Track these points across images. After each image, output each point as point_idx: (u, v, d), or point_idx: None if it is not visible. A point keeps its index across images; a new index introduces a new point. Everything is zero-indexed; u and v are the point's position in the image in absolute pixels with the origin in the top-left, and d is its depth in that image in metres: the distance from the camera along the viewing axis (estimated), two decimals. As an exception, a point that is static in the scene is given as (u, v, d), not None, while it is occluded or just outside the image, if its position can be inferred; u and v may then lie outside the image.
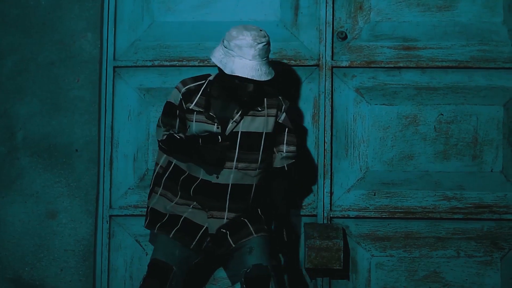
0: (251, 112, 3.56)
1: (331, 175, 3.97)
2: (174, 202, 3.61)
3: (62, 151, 3.98)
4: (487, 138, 3.99)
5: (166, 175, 3.65)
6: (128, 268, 4.00)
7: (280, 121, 3.61)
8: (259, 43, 3.38)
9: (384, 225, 3.97)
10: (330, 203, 3.96)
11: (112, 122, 4.02)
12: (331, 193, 3.97)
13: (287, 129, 3.63)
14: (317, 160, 3.97)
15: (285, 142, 3.64)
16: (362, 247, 3.98)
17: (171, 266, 3.53)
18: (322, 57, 3.99)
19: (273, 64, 3.92)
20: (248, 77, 3.37)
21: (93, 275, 3.97)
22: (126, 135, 4.03)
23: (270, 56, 3.95)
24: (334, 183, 3.98)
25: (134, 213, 3.98)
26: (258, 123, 3.57)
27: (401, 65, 3.98)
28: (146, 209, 3.72)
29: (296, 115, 3.97)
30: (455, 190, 3.96)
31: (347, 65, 3.99)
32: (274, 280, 3.52)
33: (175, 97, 3.59)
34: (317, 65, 3.99)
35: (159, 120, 3.67)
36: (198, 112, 3.54)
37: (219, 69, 3.47)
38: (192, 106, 3.55)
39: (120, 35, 4.04)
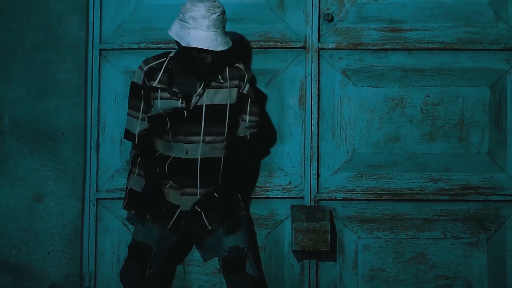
0: (213, 85, 3.57)
1: (318, 157, 3.97)
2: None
3: (49, 134, 3.98)
4: (473, 119, 3.99)
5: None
6: (115, 251, 4.00)
7: (244, 92, 3.62)
8: (213, 13, 3.38)
9: (371, 207, 3.97)
10: (317, 186, 3.97)
11: (98, 105, 4.02)
12: (318, 176, 3.97)
13: (250, 99, 3.65)
14: (304, 143, 3.97)
15: (248, 113, 3.66)
16: (349, 229, 3.98)
17: (151, 246, 3.57)
18: (309, 39, 3.98)
19: (259, 45, 3.94)
20: (204, 48, 3.38)
21: (80, 258, 3.97)
22: (112, 118, 4.02)
23: (256, 38, 3.98)
24: (321, 166, 3.98)
25: (121, 196, 3.95)
26: (222, 95, 3.58)
27: (388, 47, 3.98)
28: (125, 190, 3.73)
29: (283, 97, 3.98)
30: (441, 171, 3.97)
31: (333, 47, 3.99)
32: (250, 260, 3.57)
33: (138, 77, 3.60)
34: (304, 47, 3.98)
35: (128, 103, 3.68)
36: (162, 90, 3.55)
37: (177, 43, 3.49)
38: (155, 84, 3.56)
39: (106, 18, 4.03)
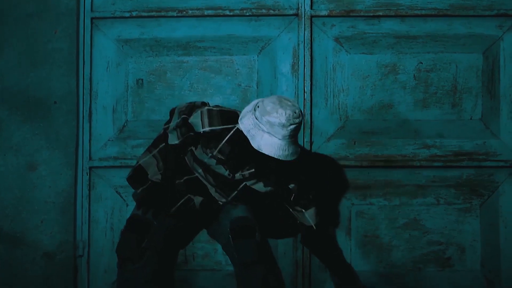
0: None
1: (311, 124, 3.97)
2: (160, 171, 3.57)
3: (41, 103, 3.96)
4: (466, 86, 3.99)
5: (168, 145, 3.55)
6: (109, 219, 4.00)
7: (289, 187, 3.53)
8: (292, 124, 3.20)
9: (364, 174, 3.97)
10: (310, 151, 3.96)
11: (90, 73, 4.00)
12: (311, 143, 3.97)
13: (293, 194, 3.53)
14: (297, 110, 3.96)
15: (296, 204, 3.55)
16: (342, 196, 3.98)
17: (151, 221, 3.52)
18: (301, 6, 3.96)
19: (251, 12, 3.93)
20: (274, 157, 3.23)
21: (73, 227, 3.97)
22: (105, 86, 4.01)
23: (248, 5, 3.97)
24: (314, 133, 3.97)
25: (114, 165, 3.97)
26: (262, 185, 3.51)
27: (380, 13, 3.96)
28: (136, 162, 3.60)
29: (276, 64, 3.97)
30: (434, 138, 3.96)
31: (326, 14, 3.97)
32: (260, 235, 3.51)
33: (196, 125, 3.42)
34: (296, 15, 3.97)
35: (173, 126, 3.50)
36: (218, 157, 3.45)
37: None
38: (215, 152, 3.41)
39: (97, -14, 4.02)
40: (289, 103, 3.24)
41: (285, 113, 3.19)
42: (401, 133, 3.97)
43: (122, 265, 3.54)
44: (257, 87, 4.00)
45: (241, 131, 3.31)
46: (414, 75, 3.99)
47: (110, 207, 3.99)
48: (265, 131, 3.22)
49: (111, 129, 4.01)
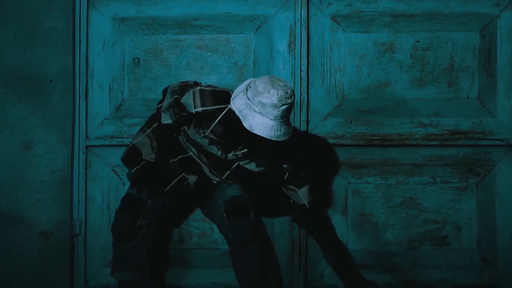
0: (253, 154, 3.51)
1: (307, 103, 3.96)
2: (154, 151, 3.58)
3: (37, 82, 3.95)
4: (463, 64, 3.98)
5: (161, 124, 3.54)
6: (106, 198, 4.00)
7: (283, 166, 3.54)
8: (283, 104, 3.20)
9: (360, 153, 3.97)
10: (307, 131, 3.96)
11: (86, 52, 3.99)
12: (308, 122, 3.96)
13: (287, 174, 3.53)
14: (293, 89, 3.95)
15: (290, 183, 3.56)
16: (339, 175, 3.98)
17: (146, 200, 3.53)
18: (298, -15, 3.96)
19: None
20: (266, 137, 3.23)
21: (70, 206, 3.97)
22: (101, 65, 4.00)
23: (245, -17, 3.95)
24: (310, 112, 3.97)
25: (111, 143, 3.97)
26: (254, 165, 3.52)
27: (377, -8, 3.96)
28: (131, 142, 3.62)
29: (272, 43, 3.96)
30: (431, 116, 3.96)
31: (323, -7, 3.97)
32: (254, 214, 3.52)
33: (189, 106, 3.41)
34: (293, -7, 3.97)
35: (166, 106, 3.49)
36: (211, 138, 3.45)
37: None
38: (207, 133, 3.41)
39: (93, -36, 4.00)
40: (281, 84, 3.23)
41: (277, 93, 3.19)
42: (398, 112, 3.97)
43: (116, 243, 3.55)
44: (253, 66, 3.99)
45: (233, 112, 3.31)
46: (410, 53, 3.98)
47: (107, 186, 3.99)
48: (257, 111, 3.22)
49: (108, 107, 4.00)
